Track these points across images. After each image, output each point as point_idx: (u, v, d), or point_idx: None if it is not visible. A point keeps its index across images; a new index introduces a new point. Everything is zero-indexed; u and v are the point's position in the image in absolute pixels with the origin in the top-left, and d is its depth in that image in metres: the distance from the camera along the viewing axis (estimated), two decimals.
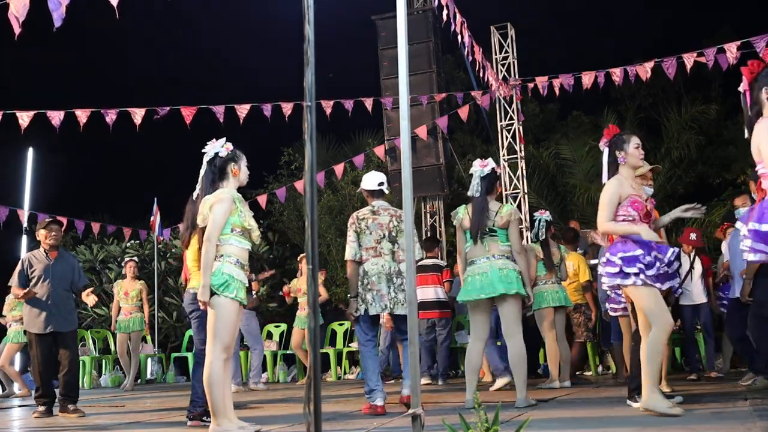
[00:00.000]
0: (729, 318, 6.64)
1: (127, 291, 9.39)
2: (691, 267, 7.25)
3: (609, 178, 4.21)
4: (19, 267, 6.20)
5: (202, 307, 3.93)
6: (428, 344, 7.98)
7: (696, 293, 7.25)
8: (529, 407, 4.72)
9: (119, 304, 9.40)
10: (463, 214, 5.12)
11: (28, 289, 6.02)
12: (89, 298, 6.18)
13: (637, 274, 3.94)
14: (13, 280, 6.19)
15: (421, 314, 7.75)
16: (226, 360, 3.91)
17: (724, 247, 7.10)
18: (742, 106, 3.28)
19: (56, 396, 6.02)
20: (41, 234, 6.26)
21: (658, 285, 4.01)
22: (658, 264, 3.98)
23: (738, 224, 3.18)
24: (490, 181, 5.07)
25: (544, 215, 6.84)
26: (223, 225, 3.90)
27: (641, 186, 4.45)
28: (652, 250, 4.01)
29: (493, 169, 5.10)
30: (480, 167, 5.09)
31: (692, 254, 7.29)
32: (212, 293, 3.87)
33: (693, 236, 7.33)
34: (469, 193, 5.11)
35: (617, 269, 4.00)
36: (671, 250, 4.06)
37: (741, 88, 3.24)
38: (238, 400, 6.02)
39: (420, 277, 7.81)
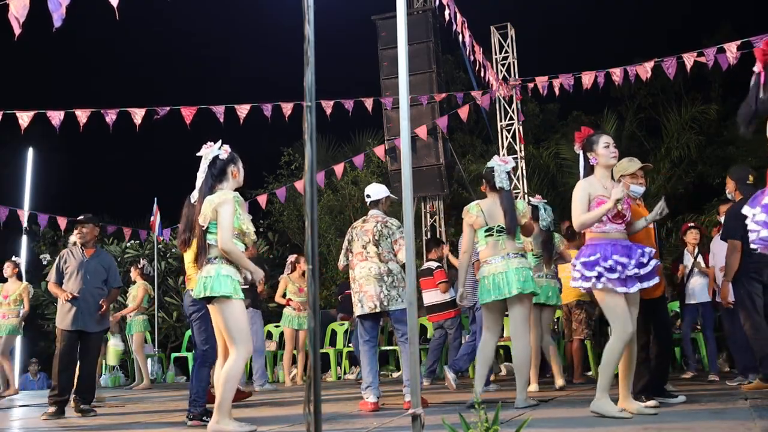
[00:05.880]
0: (725, 318, 6.62)
1: (131, 293, 9.80)
2: (693, 266, 7.22)
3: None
4: (56, 261, 6.23)
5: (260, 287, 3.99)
6: (436, 344, 7.96)
7: (697, 292, 7.17)
8: (529, 407, 4.71)
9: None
10: (476, 213, 4.96)
11: (64, 290, 5.99)
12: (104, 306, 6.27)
13: (597, 278, 3.95)
14: (51, 276, 6.20)
15: (431, 317, 7.98)
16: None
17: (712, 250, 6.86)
18: (752, 86, 3.12)
19: (70, 397, 5.93)
20: (74, 232, 6.35)
21: (623, 289, 3.97)
22: (620, 268, 3.94)
23: (745, 209, 3.05)
24: (510, 177, 5.08)
25: (542, 201, 6.58)
26: (232, 226, 3.94)
27: (619, 184, 4.25)
28: (616, 253, 3.95)
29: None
30: (503, 162, 5.00)
31: (695, 252, 7.24)
32: (216, 297, 3.89)
33: (689, 235, 7.32)
34: (498, 185, 4.93)
35: (579, 274, 4.05)
36: (641, 250, 4.02)
37: (756, 68, 3.11)
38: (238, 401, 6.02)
39: (424, 282, 7.80)
